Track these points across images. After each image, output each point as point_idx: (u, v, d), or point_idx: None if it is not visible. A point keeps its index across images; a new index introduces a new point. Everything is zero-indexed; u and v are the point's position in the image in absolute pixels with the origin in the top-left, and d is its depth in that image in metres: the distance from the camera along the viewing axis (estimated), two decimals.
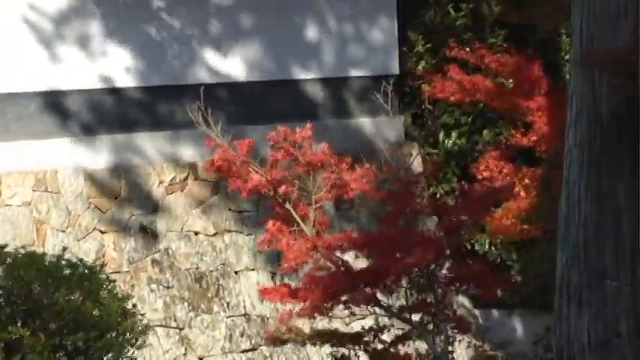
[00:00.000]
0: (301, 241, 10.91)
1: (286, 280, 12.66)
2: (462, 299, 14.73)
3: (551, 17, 12.14)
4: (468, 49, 13.40)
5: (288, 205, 11.09)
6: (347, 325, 11.86)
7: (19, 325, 7.41)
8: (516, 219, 12.53)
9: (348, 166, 11.42)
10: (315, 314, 10.88)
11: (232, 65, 14.79)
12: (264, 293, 11.68)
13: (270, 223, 11.18)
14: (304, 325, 12.03)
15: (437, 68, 15.13)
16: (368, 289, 10.64)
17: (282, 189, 11.10)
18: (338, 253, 10.99)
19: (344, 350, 11.40)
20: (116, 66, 14.07)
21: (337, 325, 12.31)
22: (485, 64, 12.96)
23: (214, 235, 14.39)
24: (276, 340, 11.62)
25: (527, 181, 12.34)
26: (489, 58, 12.93)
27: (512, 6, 13.30)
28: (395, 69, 15.72)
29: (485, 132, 16.13)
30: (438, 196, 15.77)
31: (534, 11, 12.20)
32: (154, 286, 13.76)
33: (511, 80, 12.88)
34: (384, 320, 11.62)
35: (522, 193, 12.71)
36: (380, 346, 11.30)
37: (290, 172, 11.22)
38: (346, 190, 11.49)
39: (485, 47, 14.10)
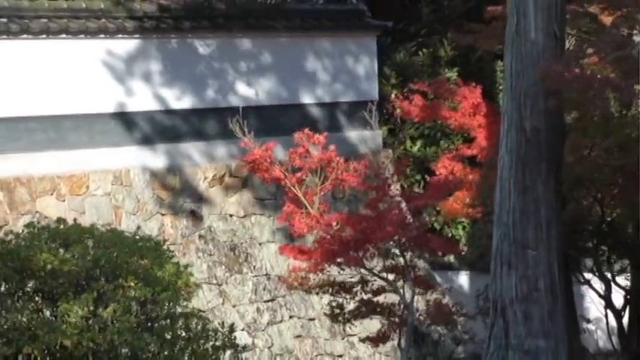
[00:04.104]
0: (308, 218, 11.00)
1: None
2: (424, 264, 14.75)
3: (488, 41, 12.09)
4: (428, 83, 13.38)
5: (299, 192, 11.15)
6: None
7: (103, 281, 7.46)
8: (463, 204, 12.53)
9: (343, 165, 11.49)
10: (317, 271, 10.95)
11: (255, 93, 14.86)
12: (283, 250, 11.67)
13: (287, 205, 11.28)
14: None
15: (405, 96, 15.15)
16: (356, 254, 10.69)
17: (297, 177, 11.17)
18: (334, 228, 11.04)
19: (339, 299, 11.43)
20: (170, 94, 14.15)
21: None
22: (440, 92, 12.94)
23: (244, 216, 14.44)
24: (291, 287, 11.61)
25: (471, 177, 12.32)
26: (443, 88, 12.91)
27: (463, 33, 13.35)
28: (375, 95, 15.78)
29: (442, 142, 16.16)
30: (406, 187, 15.80)
31: (477, 37, 12.20)
32: (200, 254, 13.83)
33: (460, 105, 12.84)
34: (367, 278, 11.65)
35: (468, 186, 12.69)
36: (365, 297, 11.34)
37: (305, 164, 11.31)
38: (342, 182, 11.55)
39: (442, 81, 14.09)
